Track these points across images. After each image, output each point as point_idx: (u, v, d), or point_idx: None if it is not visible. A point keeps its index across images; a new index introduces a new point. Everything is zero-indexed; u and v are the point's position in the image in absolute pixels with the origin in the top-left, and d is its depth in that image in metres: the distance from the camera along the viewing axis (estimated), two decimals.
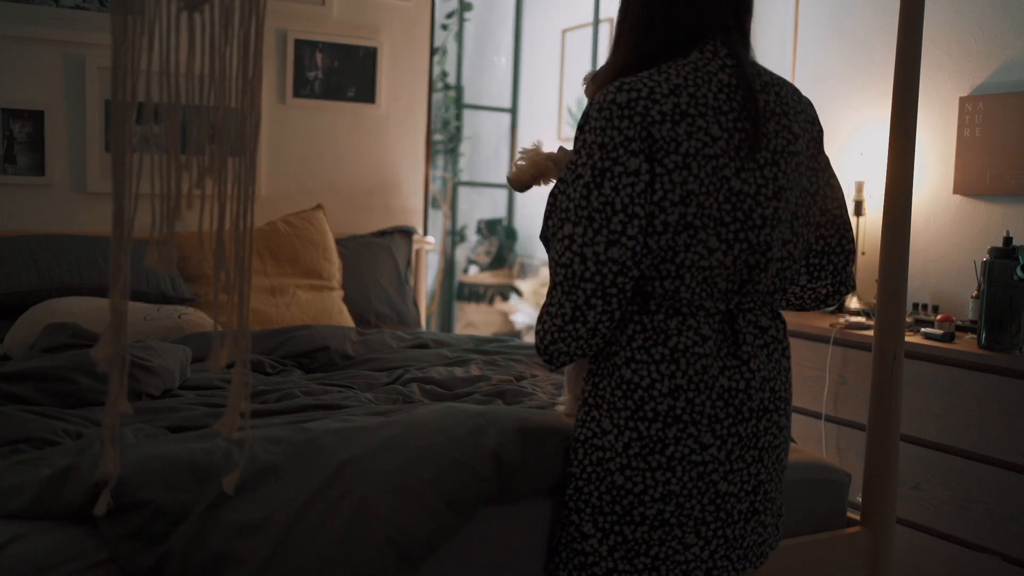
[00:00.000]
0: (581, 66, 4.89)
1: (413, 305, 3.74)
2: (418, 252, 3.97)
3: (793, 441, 1.67)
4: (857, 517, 2.05)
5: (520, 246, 5.30)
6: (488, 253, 5.22)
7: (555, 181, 1.75)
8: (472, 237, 5.33)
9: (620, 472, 1.48)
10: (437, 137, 5.09)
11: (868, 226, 3.32)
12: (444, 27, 5.04)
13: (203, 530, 1.41)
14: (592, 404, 1.54)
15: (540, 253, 5.15)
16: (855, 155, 3.42)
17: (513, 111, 5.31)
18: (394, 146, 3.93)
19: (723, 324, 1.51)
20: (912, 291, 3.19)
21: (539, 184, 1.78)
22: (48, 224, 3.18)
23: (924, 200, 3.19)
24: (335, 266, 3.48)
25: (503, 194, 5.38)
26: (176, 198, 0.91)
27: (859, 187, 3.29)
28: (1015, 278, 2.63)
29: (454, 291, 5.21)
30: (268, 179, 3.64)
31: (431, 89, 4.07)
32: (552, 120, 5.21)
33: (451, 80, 5.16)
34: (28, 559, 1.38)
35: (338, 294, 3.45)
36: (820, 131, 1.60)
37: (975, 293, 2.93)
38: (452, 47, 5.14)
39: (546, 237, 1.56)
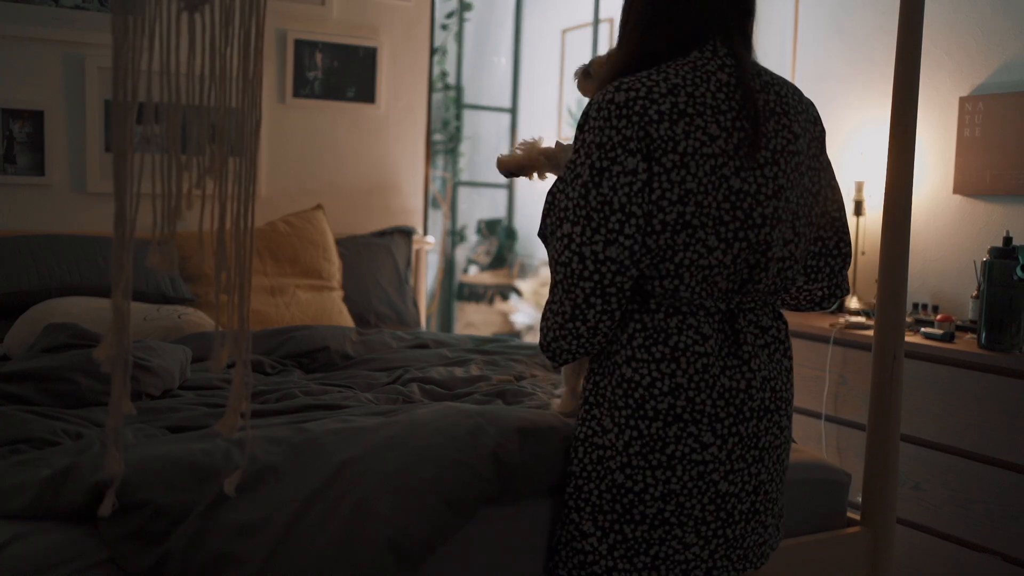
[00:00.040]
0: None
1: (413, 305, 3.74)
2: (418, 252, 3.97)
3: (793, 441, 1.67)
4: (857, 517, 2.05)
5: (520, 246, 5.30)
6: (488, 253, 5.22)
7: (546, 176, 1.76)
8: (472, 237, 5.33)
9: (620, 471, 1.48)
10: (437, 137, 5.09)
11: (868, 226, 3.32)
12: (444, 27, 5.03)
13: (203, 530, 1.41)
14: (593, 402, 1.54)
15: (540, 253, 5.15)
16: (855, 155, 3.42)
17: (513, 111, 5.31)
18: (394, 146, 3.93)
19: (723, 323, 1.51)
20: (912, 291, 3.19)
21: (527, 176, 1.79)
22: (48, 224, 3.18)
23: (924, 200, 3.19)
24: (335, 266, 3.48)
25: (503, 194, 5.38)
26: (176, 198, 0.92)
27: (859, 187, 3.29)
28: (1015, 278, 2.63)
29: (454, 291, 5.21)
30: (268, 179, 3.64)
31: (431, 89, 4.07)
32: (552, 120, 5.21)
33: (451, 80, 5.16)
34: (28, 559, 1.38)
35: (338, 294, 3.45)
36: (822, 131, 1.60)
37: (975, 293, 2.93)
38: (452, 47, 5.14)
39: (544, 235, 1.57)
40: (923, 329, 2.89)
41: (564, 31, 5.13)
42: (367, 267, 3.61)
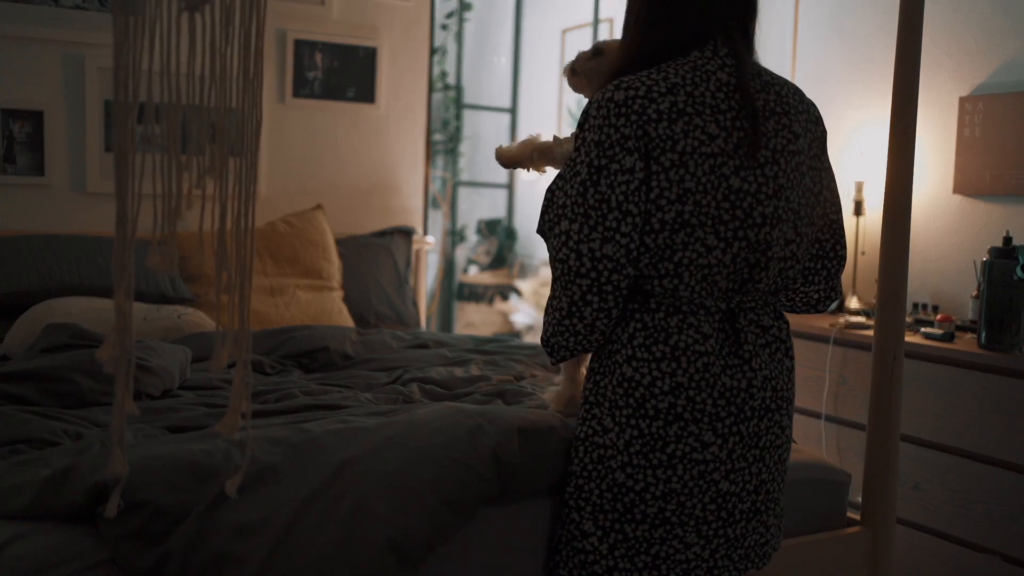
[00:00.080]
0: None
1: (413, 305, 3.74)
2: (418, 252, 3.97)
3: (793, 441, 1.67)
4: (857, 517, 2.05)
5: (520, 246, 5.30)
6: (488, 253, 5.22)
7: (545, 170, 1.81)
8: (472, 237, 5.32)
9: (621, 470, 1.48)
10: (437, 137, 5.09)
11: (868, 226, 3.32)
12: (444, 27, 5.03)
13: (203, 530, 1.41)
14: (593, 402, 1.54)
15: (540, 253, 5.15)
16: (855, 155, 3.42)
17: (513, 111, 5.31)
18: (394, 146, 3.93)
19: (724, 323, 1.51)
20: (912, 291, 3.19)
21: (525, 168, 1.84)
22: (48, 224, 3.18)
23: (924, 200, 3.19)
24: (335, 266, 3.48)
25: (503, 194, 5.38)
26: (177, 198, 0.92)
27: (859, 187, 3.29)
28: (1015, 278, 2.63)
29: (454, 291, 5.21)
30: (268, 179, 3.64)
31: (431, 89, 4.07)
32: (552, 120, 5.21)
33: (451, 80, 5.16)
34: (28, 559, 1.38)
35: (338, 294, 3.45)
36: (824, 132, 1.60)
37: (975, 293, 2.93)
38: (452, 47, 5.14)
39: (543, 231, 1.57)
40: (923, 329, 2.89)
41: (564, 31, 5.13)
42: (367, 267, 3.61)
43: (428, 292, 4.79)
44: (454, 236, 5.21)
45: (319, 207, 3.62)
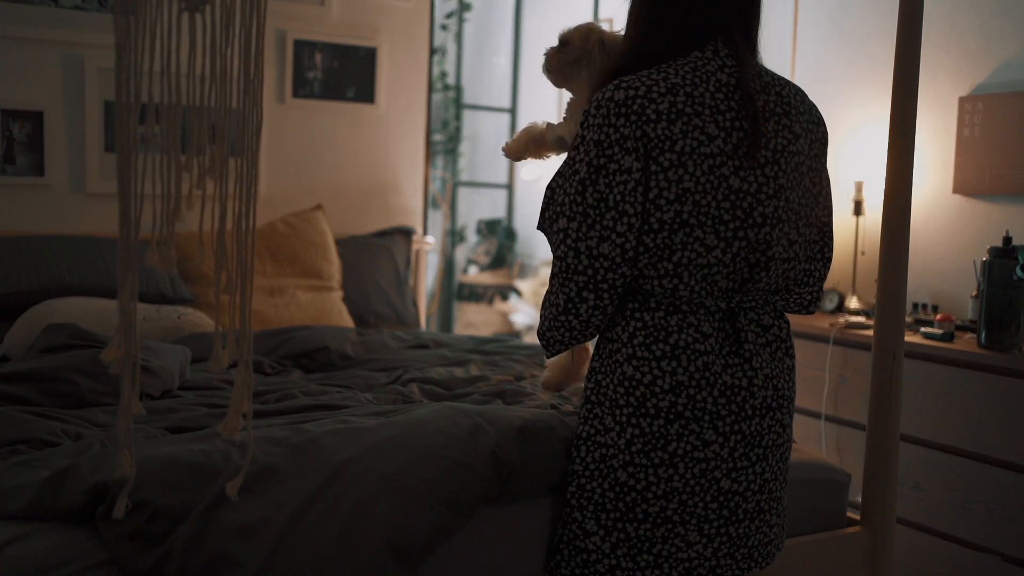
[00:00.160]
0: None
1: (412, 305, 3.74)
2: (418, 252, 3.96)
3: (793, 441, 1.67)
4: (857, 517, 2.05)
5: (520, 246, 5.29)
6: (488, 253, 5.22)
7: (547, 156, 1.88)
8: (472, 237, 5.32)
9: (623, 469, 1.49)
10: (436, 137, 5.08)
11: (868, 226, 3.32)
12: (443, 27, 5.03)
13: (202, 531, 1.41)
14: (594, 401, 1.54)
15: (540, 253, 5.14)
16: (855, 155, 3.42)
17: (513, 111, 5.30)
18: (393, 146, 3.93)
19: (724, 322, 1.51)
20: (912, 291, 3.19)
21: (527, 157, 1.92)
22: (47, 224, 3.18)
23: (924, 200, 3.19)
24: (334, 266, 3.48)
25: (503, 194, 5.38)
26: (176, 199, 0.92)
27: (858, 187, 3.29)
28: (1014, 278, 2.63)
29: (454, 291, 5.21)
30: (267, 179, 3.64)
31: (430, 89, 4.07)
32: (552, 120, 5.20)
33: (450, 80, 5.15)
34: (28, 560, 1.38)
35: (337, 294, 3.45)
36: (825, 133, 1.60)
37: (975, 293, 2.93)
38: (451, 47, 5.14)
39: (544, 227, 1.58)
40: (923, 329, 2.89)
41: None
42: (367, 267, 3.61)
43: (428, 292, 4.79)
44: (454, 236, 5.21)
45: (319, 207, 3.62)
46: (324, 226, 3.53)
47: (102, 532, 1.44)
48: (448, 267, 5.19)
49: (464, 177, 5.30)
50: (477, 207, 5.37)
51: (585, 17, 4.98)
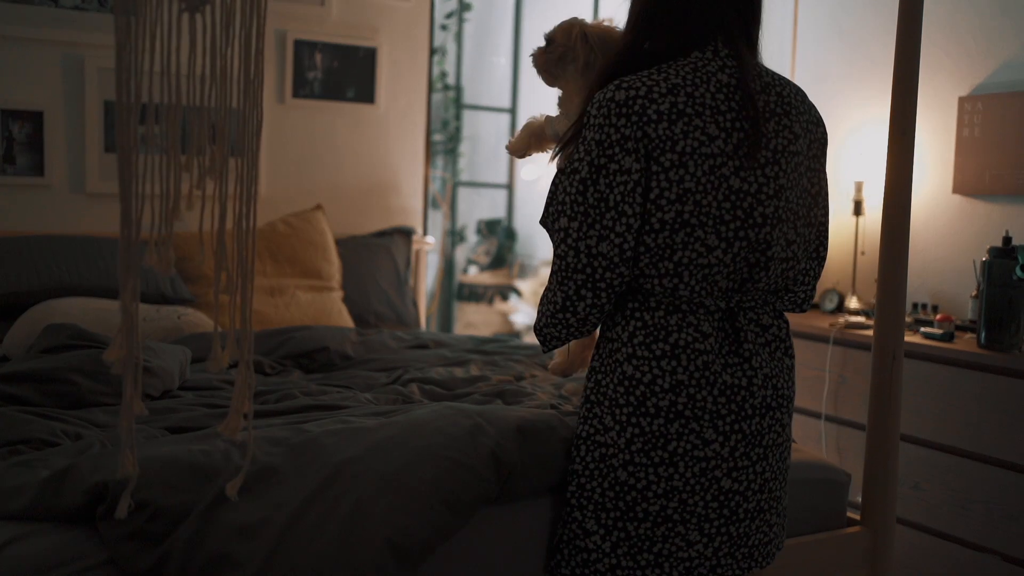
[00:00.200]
0: None
1: (412, 305, 3.74)
2: (418, 252, 3.96)
3: (793, 441, 1.67)
4: (857, 517, 2.05)
5: (520, 246, 5.29)
6: (488, 253, 5.21)
7: (548, 149, 1.89)
8: (472, 237, 5.32)
9: (623, 468, 1.49)
10: (436, 137, 5.08)
11: (868, 226, 3.32)
12: (443, 27, 5.03)
13: (202, 531, 1.41)
14: (594, 401, 1.54)
15: (539, 253, 5.15)
16: (855, 155, 3.42)
17: (513, 111, 5.30)
18: (393, 146, 3.93)
19: (723, 322, 1.52)
20: (912, 291, 3.19)
21: (531, 153, 1.94)
22: (47, 225, 3.18)
23: (923, 200, 3.19)
24: (334, 266, 3.48)
25: (503, 194, 5.38)
26: (176, 199, 0.92)
27: (858, 187, 3.29)
28: (1014, 278, 2.64)
29: (453, 291, 5.21)
30: (267, 179, 3.64)
31: (430, 89, 4.07)
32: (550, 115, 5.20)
33: (450, 80, 5.15)
34: (28, 560, 1.38)
35: (337, 295, 3.45)
36: (824, 134, 1.60)
37: (974, 293, 2.93)
38: (451, 47, 5.13)
39: (546, 223, 1.59)
40: (923, 329, 2.89)
41: None
42: (367, 267, 3.61)
43: (428, 292, 4.79)
44: (454, 236, 5.21)
45: (319, 207, 3.62)
46: (324, 226, 3.53)
47: (102, 532, 1.44)
48: (448, 267, 5.19)
49: (464, 177, 5.30)
50: (477, 207, 5.36)
51: (585, 17, 4.98)
